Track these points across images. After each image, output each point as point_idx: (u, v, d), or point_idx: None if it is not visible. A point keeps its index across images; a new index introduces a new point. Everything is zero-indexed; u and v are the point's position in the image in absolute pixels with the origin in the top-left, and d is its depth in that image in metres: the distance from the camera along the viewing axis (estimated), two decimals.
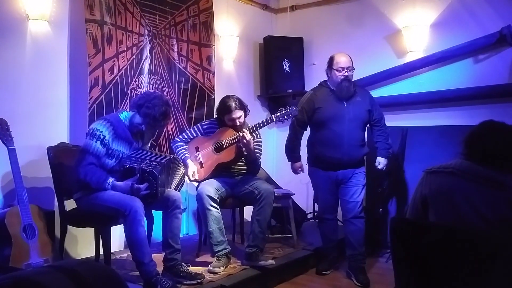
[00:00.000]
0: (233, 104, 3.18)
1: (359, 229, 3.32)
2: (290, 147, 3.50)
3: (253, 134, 3.19)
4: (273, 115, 3.13)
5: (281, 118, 3.11)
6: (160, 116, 2.76)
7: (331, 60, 3.32)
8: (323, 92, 3.34)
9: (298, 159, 3.52)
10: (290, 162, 3.55)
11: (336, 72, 3.26)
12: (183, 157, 3.27)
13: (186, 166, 3.22)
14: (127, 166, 2.77)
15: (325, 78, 3.41)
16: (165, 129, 3.83)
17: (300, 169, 3.52)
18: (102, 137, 2.68)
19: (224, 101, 3.24)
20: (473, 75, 3.98)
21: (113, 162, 2.77)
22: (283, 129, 3.62)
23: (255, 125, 3.17)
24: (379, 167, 3.40)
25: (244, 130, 3.10)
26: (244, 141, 3.07)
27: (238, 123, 3.22)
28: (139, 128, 2.82)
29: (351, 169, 3.30)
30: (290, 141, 3.49)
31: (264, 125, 3.17)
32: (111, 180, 2.71)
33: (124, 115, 2.86)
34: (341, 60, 3.26)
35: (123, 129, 2.80)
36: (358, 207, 3.31)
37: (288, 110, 3.10)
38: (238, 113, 3.21)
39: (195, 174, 3.22)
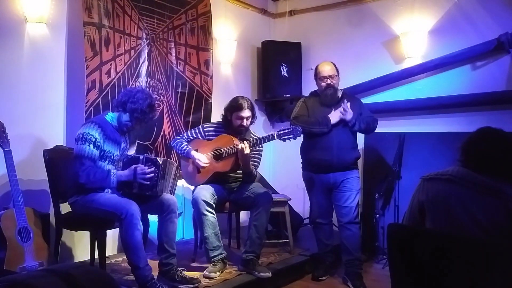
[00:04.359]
0: (245, 103, 3.20)
1: (355, 235, 3.31)
2: (312, 121, 3.28)
3: (252, 148, 3.17)
4: (275, 132, 3.09)
5: (283, 136, 3.05)
6: (147, 108, 2.78)
7: (315, 70, 3.41)
8: (312, 101, 3.42)
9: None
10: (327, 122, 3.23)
11: (319, 81, 3.35)
12: (186, 150, 3.28)
13: (192, 158, 3.25)
14: (131, 156, 2.80)
15: None
16: (162, 132, 3.83)
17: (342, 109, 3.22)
18: (93, 140, 2.67)
19: (236, 99, 3.26)
20: (470, 81, 3.99)
21: (107, 164, 2.77)
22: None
23: (257, 140, 3.15)
24: (344, 108, 3.21)
25: (244, 142, 3.08)
26: (242, 153, 3.05)
27: (245, 124, 3.22)
28: (128, 125, 2.82)
29: (343, 172, 3.29)
30: (306, 122, 3.28)
31: (265, 141, 3.14)
32: (114, 171, 2.71)
33: (110, 116, 2.85)
34: (323, 70, 3.33)
35: (111, 130, 2.80)
36: (353, 212, 3.30)
37: (291, 129, 3.04)
38: (248, 113, 3.22)
39: (204, 159, 3.22)
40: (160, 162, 2.75)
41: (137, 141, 3.60)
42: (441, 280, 1.65)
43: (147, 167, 2.71)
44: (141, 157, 2.78)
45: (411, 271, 1.71)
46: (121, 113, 2.81)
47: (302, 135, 3.40)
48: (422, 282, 1.69)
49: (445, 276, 1.64)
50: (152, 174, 2.72)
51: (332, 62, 3.38)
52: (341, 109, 3.23)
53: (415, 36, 4.21)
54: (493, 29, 3.85)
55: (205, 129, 3.39)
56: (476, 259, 1.59)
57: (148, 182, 2.72)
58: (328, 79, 3.29)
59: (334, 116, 3.25)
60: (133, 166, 2.71)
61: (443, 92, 4.07)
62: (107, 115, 2.85)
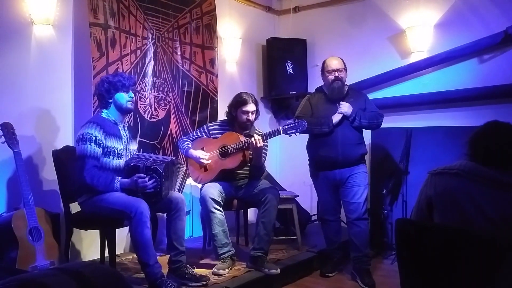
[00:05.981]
0: (249, 98, 3.23)
1: (363, 231, 3.30)
2: (314, 122, 3.27)
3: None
4: (280, 127, 3.10)
5: (288, 131, 3.06)
6: (123, 73, 2.92)
7: (323, 65, 3.41)
8: (317, 97, 3.42)
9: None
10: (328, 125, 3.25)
11: (326, 74, 3.35)
12: (186, 149, 3.32)
13: (191, 157, 3.27)
14: (132, 164, 2.79)
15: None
16: (169, 131, 3.84)
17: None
18: (93, 138, 2.68)
19: (240, 94, 3.29)
20: (478, 75, 3.96)
21: (112, 159, 2.78)
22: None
23: (266, 134, 3.16)
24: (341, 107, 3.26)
25: (257, 136, 3.09)
26: (255, 147, 3.06)
27: (251, 118, 3.24)
28: (130, 100, 2.86)
29: (349, 168, 3.28)
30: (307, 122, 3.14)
31: (271, 136, 3.15)
32: (118, 178, 2.73)
33: (105, 113, 2.86)
34: (331, 63, 3.33)
35: (109, 126, 2.81)
36: (361, 208, 3.28)
37: (296, 124, 3.06)
38: (253, 107, 3.23)
39: (204, 154, 3.26)
40: (161, 170, 2.72)
41: (145, 140, 3.62)
42: (450, 275, 1.65)
43: (148, 177, 2.71)
44: (141, 165, 2.76)
45: (420, 266, 1.71)
46: (113, 99, 2.82)
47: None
48: (431, 277, 1.69)
49: (454, 271, 1.64)
50: (155, 184, 2.72)
51: (340, 57, 3.39)
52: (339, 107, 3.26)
53: (421, 30, 4.18)
54: (500, 21, 3.81)
55: (209, 128, 3.40)
56: (485, 253, 1.59)
57: (152, 190, 2.73)
58: (336, 72, 3.29)
59: (336, 116, 3.26)
60: (135, 177, 2.70)
61: (450, 86, 4.04)
62: (102, 113, 2.86)
